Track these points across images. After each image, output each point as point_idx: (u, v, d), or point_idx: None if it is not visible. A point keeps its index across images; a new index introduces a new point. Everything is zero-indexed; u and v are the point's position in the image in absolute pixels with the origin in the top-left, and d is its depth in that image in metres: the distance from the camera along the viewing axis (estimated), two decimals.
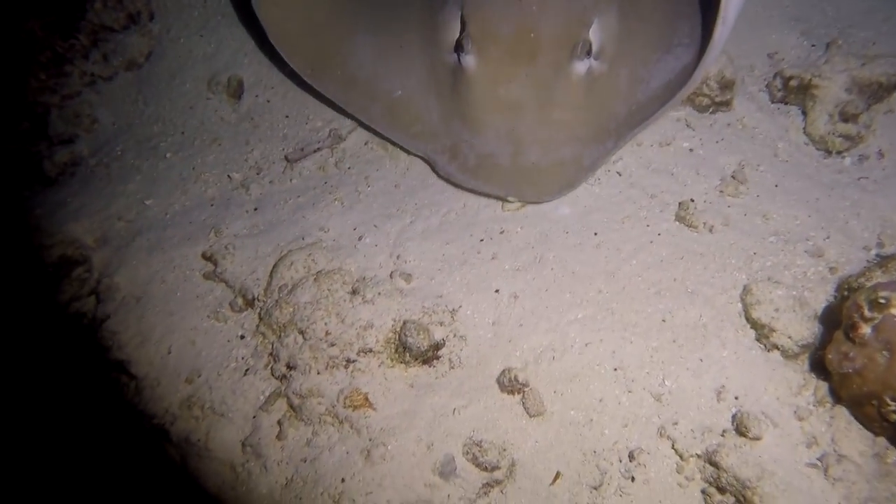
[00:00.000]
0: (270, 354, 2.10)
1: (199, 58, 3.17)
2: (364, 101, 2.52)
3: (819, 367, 1.99)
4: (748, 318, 2.11)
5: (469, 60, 2.31)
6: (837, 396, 1.91)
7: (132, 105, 3.09)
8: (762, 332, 2.07)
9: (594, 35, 2.37)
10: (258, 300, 2.22)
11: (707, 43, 2.21)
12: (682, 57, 2.44)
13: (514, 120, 2.28)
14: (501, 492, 1.91)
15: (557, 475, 1.92)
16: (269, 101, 2.95)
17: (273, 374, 2.07)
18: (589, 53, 2.33)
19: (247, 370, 2.09)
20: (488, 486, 1.89)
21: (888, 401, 1.70)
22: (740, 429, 1.91)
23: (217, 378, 2.08)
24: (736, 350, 2.06)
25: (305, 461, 1.93)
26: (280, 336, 2.09)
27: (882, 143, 2.55)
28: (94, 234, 2.51)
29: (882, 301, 1.73)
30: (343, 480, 1.88)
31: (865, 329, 1.75)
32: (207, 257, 2.35)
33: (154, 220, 2.57)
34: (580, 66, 2.32)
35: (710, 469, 1.89)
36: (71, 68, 3.05)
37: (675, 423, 1.95)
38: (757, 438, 1.88)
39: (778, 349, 2.06)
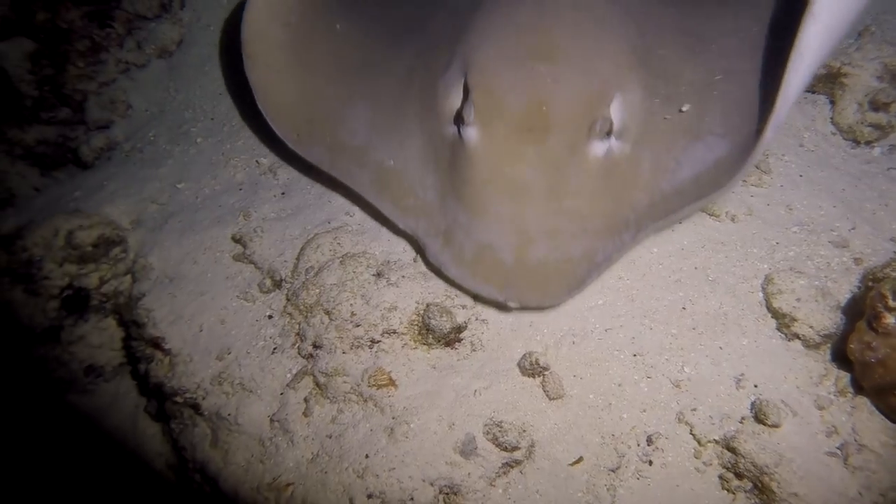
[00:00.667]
0: (297, 334, 2.17)
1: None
2: (352, 167, 2.26)
3: (841, 357, 1.99)
4: (769, 308, 2.11)
5: (471, 133, 2.02)
6: (859, 386, 1.91)
7: (164, 92, 3.19)
8: (783, 322, 2.08)
9: (615, 112, 2.08)
10: (286, 281, 2.28)
11: (746, 138, 2.00)
12: (714, 148, 2.12)
13: (520, 206, 1.98)
14: (521, 472, 1.95)
15: (579, 459, 1.95)
16: None
17: (300, 353, 2.14)
18: (609, 133, 2.05)
19: (274, 349, 2.16)
20: (508, 465, 1.94)
21: None
22: (759, 416, 1.92)
23: (246, 356, 2.15)
24: (756, 339, 2.07)
25: (331, 437, 2.00)
26: (307, 316, 2.15)
27: None
28: (129, 216, 2.60)
29: None
30: (367, 456, 1.94)
31: (889, 319, 1.75)
32: (237, 240, 2.42)
33: (185, 203, 2.65)
34: (598, 148, 2.03)
35: (727, 455, 1.91)
36: (107, 56, 3.15)
37: (694, 409, 1.97)
38: (776, 426, 1.90)
39: (799, 339, 2.06)
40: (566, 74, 2.06)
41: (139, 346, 2.26)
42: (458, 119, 2.09)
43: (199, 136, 2.94)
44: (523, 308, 2.04)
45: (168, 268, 2.40)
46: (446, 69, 2.23)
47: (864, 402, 1.90)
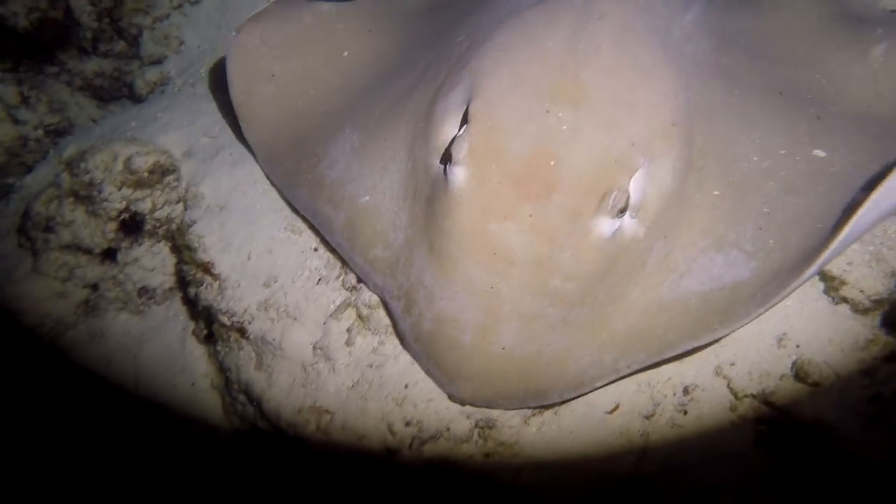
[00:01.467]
0: (342, 267, 2.22)
1: None
2: (328, 208, 2.01)
3: (891, 324, 1.95)
4: (820, 271, 2.07)
5: (458, 175, 1.71)
6: None
7: (216, 29, 3.22)
8: (831, 285, 2.04)
9: (636, 185, 1.75)
10: None
11: (777, 268, 1.72)
12: (735, 266, 1.77)
13: (497, 275, 1.68)
14: (555, 413, 1.99)
15: (616, 407, 1.96)
16: None
17: (343, 286, 2.19)
18: (623, 211, 1.71)
19: (319, 280, 2.22)
20: (543, 406, 1.97)
21: None
22: (800, 374, 1.91)
23: (292, 285, 2.22)
24: (801, 300, 2.04)
25: (372, 367, 2.06)
26: None
27: None
28: (181, 147, 2.67)
29: None
30: (406, 387, 1.99)
31: None
32: None
33: (236, 137, 2.70)
34: (606, 225, 1.71)
35: (764, 409, 1.91)
36: None
37: (733, 364, 1.97)
38: (816, 385, 1.88)
39: (847, 302, 2.02)
40: (588, 126, 1.73)
41: (190, 270, 2.34)
42: (447, 154, 1.79)
43: None
44: (466, 403, 1.84)
45: (218, 198, 2.46)
46: (451, 89, 1.91)
47: None
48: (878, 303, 2.00)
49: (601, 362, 1.77)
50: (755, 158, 1.95)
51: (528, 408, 1.87)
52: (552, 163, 1.70)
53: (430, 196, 1.85)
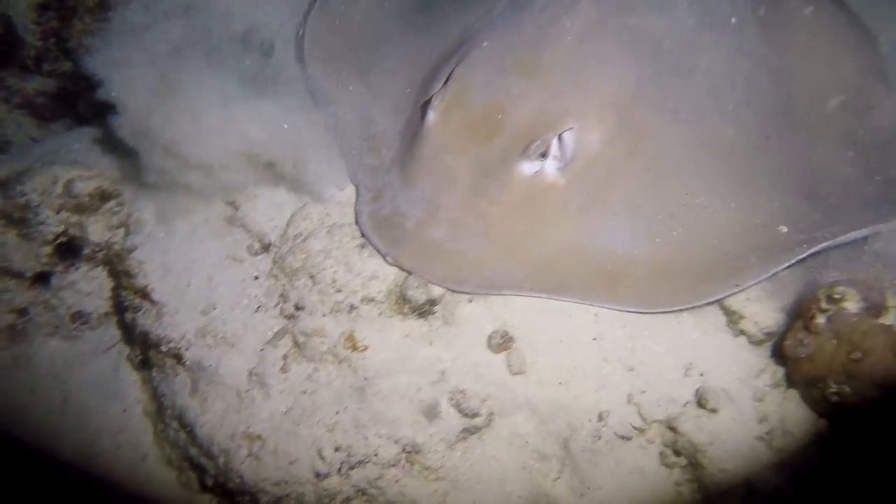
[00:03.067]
0: (281, 295, 2.29)
1: None
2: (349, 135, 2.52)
3: (779, 354, 2.18)
4: (721, 305, 2.29)
5: (430, 118, 2.23)
6: (791, 380, 2.10)
7: None
8: (732, 318, 2.25)
9: (563, 144, 2.18)
10: (274, 245, 2.39)
11: (663, 273, 2.14)
12: (638, 239, 2.19)
13: (442, 190, 2.19)
14: (479, 438, 2.11)
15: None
16: None
17: (282, 314, 2.26)
18: (544, 156, 2.18)
19: (258, 307, 2.28)
20: (468, 431, 2.09)
21: (831, 384, 1.90)
22: (701, 401, 2.10)
23: (230, 312, 2.27)
24: (707, 332, 2.25)
25: (305, 393, 2.13)
26: (291, 279, 2.27)
27: None
28: (123, 170, 2.68)
29: (837, 296, 1.93)
30: (338, 413, 2.07)
31: (820, 319, 1.94)
32: (230, 202, 2.52)
33: None
34: (527, 166, 2.18)
35: (669, 434, 2.09)
36: (113, 15, 3.18)
37: (644, 392, 2.14)
38: (714, 411, 2.08)
39: (745, 334, 2.24)
40: (534, 93, 2.22)
41: (128, 295, 2.35)
42: (427, 101, 2.29)
43: None
44: (397, 265, 2.20)
45: (161, 224, 2.48)
46: (453, 56, 2.43)
47: (794, 394, 2.10)
48: (769, 335, 2.23)
49: (511, 277, 2.17)
50: (690, 152, 2.31)
51: (447, 288, 2.20)
52: (500, 116, 2.20)
53: (414, 133, 2.35)
